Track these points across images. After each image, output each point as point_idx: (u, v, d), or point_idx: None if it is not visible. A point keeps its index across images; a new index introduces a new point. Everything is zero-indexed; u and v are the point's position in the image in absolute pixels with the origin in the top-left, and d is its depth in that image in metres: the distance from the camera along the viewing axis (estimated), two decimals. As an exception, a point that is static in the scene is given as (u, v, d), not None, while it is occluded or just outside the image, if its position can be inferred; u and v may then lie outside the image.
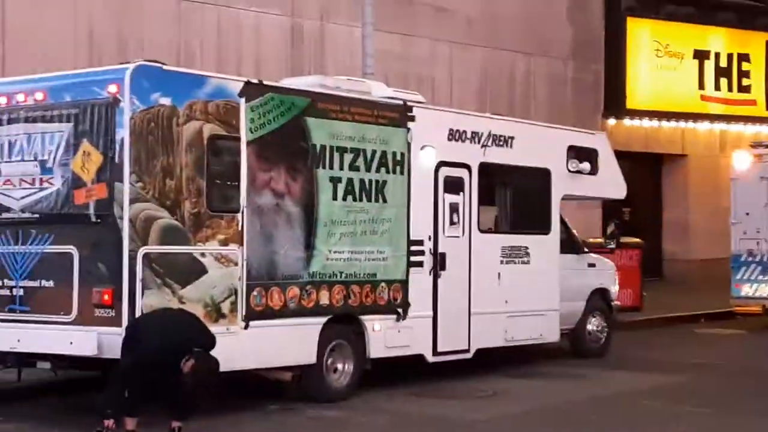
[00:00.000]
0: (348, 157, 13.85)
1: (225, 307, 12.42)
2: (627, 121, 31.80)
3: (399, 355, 14.64)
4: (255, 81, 13.26)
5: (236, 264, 12.56)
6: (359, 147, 14.01)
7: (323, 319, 13.56)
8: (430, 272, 14.99)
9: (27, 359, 12.46)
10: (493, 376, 15.89)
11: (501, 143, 16.19)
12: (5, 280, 12.44)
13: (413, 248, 14.72)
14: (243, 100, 12.76)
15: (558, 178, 17.17)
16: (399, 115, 14.65)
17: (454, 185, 15.42)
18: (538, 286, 16.70)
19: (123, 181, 11.64)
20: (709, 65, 33.26)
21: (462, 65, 27.44)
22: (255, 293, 12.74)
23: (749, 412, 13.58)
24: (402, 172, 14.57)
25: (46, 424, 12.39)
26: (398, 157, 14.52)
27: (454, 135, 15.53)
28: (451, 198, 15.36)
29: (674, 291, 29.23)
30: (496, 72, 28.36)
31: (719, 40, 33.65)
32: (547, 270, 16.92)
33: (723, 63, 33.51)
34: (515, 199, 16.78)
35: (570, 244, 17.90)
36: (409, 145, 14.68)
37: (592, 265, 18.65)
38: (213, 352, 11.17)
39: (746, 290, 23.12)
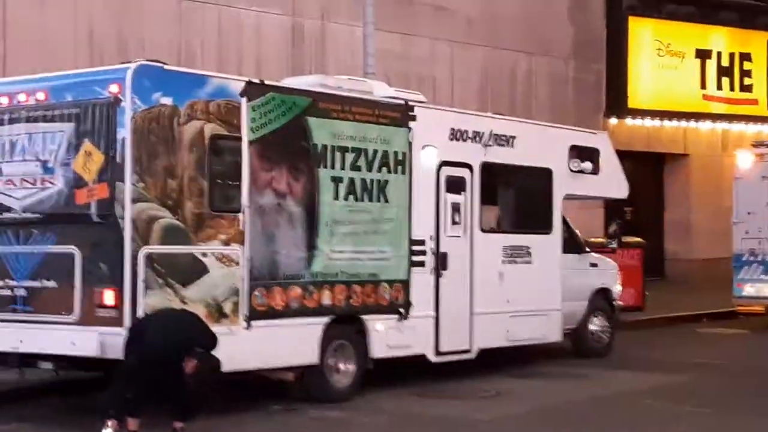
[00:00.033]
0: (349, 157, 13.84)
1: (227, 307, 12.42)
2: (629, 121, 31.78)
3: (401, 355, 14.64)
4: (256, 81, 13.26)
5: (238, 264, 12.55)
6: (361, 147, 14.00)
7: (325, 319, 13.56)
8: (431, 272, 14.98)
9: (29, 359, 12.47)
10: (495, 376, 15.88)
11: (503, 143, 16.18)
12: (7, 281, 12.44)
13: (415, 248, 14.71)
14: (244, 99, 12.75)
15: (560, 177, 17.16)
16: (400, 115, 14.64)
17: (455, 185, 15.40)
18: (540, 286, 16.69)
19: (124, 180, 11.64)
20: (711, 64, 33.24)
21: (463, 65, 27.42)
22: (257, 293, 12.74)
23: (750, 412, 13.56)
24: (403, 172, 14.56)
25: (48, 425, 12.39)
26: (400, 157, 14.51)
27: (456, 134, 15.52)
28: (452, 198, 15.35)
29: (676, 290, 29.22)
30: (497, 71, 28.35)
31: (721, 39, 33.63)
32: (549, 270, 16.91)
33: (725, 62, 33.48)
34: (517, 198, 16.79)
35: (572, 244, 17.89)
36: (410, 144, 14.67)
37: (594, 265, 18.64)
38: (215, 352, 11.17)
39: (748, 290, 23.10)
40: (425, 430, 12.70)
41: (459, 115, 16.37)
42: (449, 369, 15.39)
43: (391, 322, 14.38)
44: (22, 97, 12.51)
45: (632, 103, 31.73)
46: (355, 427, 12.66)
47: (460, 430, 12.66)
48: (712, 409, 13.71)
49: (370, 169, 14.10)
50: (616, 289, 18.96)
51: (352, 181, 13.87)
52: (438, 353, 15.08)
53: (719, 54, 33.40)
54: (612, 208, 27.53)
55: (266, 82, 13.40)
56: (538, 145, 16.89)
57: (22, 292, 12.31)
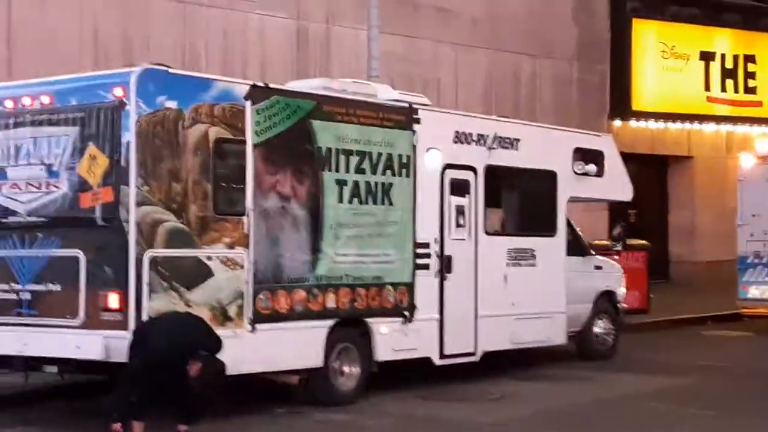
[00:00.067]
0: (354, 160, 13.85)
1: (231, 310, 12.42)
2: (633, 123, 31.76)
3: (405, 358, 14.63)
4: (261, 84, 13.28)
5: (242, 267, 12.56)
6: (365, 150, 14.00)
7: (330, 322, 13.56)
8: (436, 275, 14.98)
9: (34, 363, 12.45)
10: (500, 378, 15.88)
11: (507, 145, 16.18)
12: (12, 284, 12.44)
13: (419, 251, 14.71)
14: (249, 103, 12.76)
15: (564, 180, 17.16)
16: (405, 118, 14.65)
17: (460, 188, 15.41)
18: (544, 289, 16.68)
19: (129, 184, 11.65)
20: (715, 66, 33.22)
21: (467, 67, 27.43)
22: (261, 296, 12.74)
23: (754, 415, 13.55)
24: (408, 175, 14.57)
25: (52, 428, 12.41)
26: (404, 160, 14.51)
27: (460, 137, 15.52)
28: (457, 200, 15.35)
29: (681, 293, 29.19)
30: (501, 74, 28.35)
31: (725, 41, 33.61)
32: (554, 272, 16.90)
33: (729, 64, 33.46)
34: (521, 201, 16.79)
35: (576, 247, 17.88)
36: (414, 147, 14.68)
37: (598, 268, 18.64)
38: (219, 356, 11.17)
39: (753, 292, 23.08)
40: (430, 433, 12.73)
41: (463, 118, 16.38)
42: (454, 372, 15.38)
43: (396, 325, 14.38)
44: (26, 101, 12.52)
45: (636, 105, 31.72)
46: (359, 430, 12.66)
47: (465, 433, 12.69)
48: (716, 411, 13.71)
49: (374, 172, 14.11)
50: (621, 291, 18.96)
51: (356, 184, 13.87)
52: (442, 356, 15.08)
53: (723, 56, 33.38)
54: (616, 210, 27.52)
55: (271, 85, 13.42)
56: (542, 147, 16.88)
57: (27, 296, 12.31)
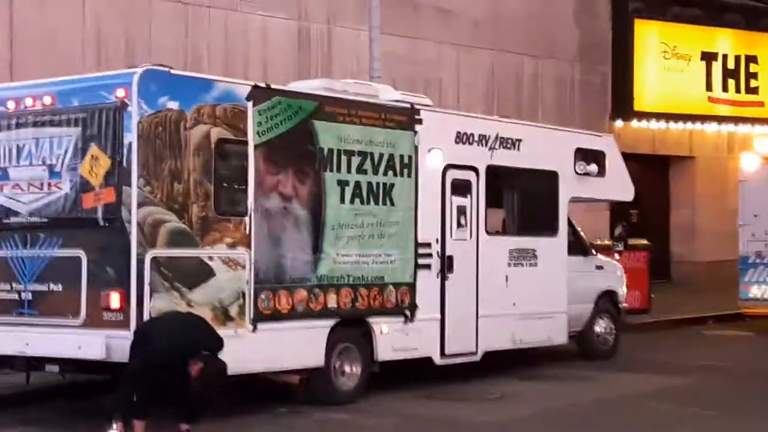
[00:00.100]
0: (355, 160, 13.87)
1: (233, 310, 12.45)
2: (634, 123, 31.75)
3: (407, 357, 14.66)
4: (262, 85, 13.31)
5: (244, 267, 12.58)
6: (367, 150, 14.02)
7: (331, 322, 13.58)
8: (437, 275, 15.00)
9: (35, 363, 12.50)
10: (501, 378, 15.90)
11: (508, 146, 16.20)
12: (14, 284, 12.47)
13: (421, 251, 14.74)
14: (250, 103, 12.79)
15: (566, 180, 17.18)
16: (406, 118, 14.67)
17: (461, 188, 15.43)
18: (545, 289, 16.70)
19: (131, 185, 11.67)
20: (717, 67, 33.20)
21: (469, 68, 27.43)
22: (263, 296, 12.77)
23: (755, 415, 13.56)
24: (409, 175, 14.59)
25: (53, 428, 12.44)
26: (406, 160, 14.53)
27: (462, 138, 15.54)
28: (458, 201, 15.37)
29: (682, 293, 29.21)
30: (502, 74, 28.35)
31: (727, 41, 33.60)
32: (555, 272, 16.91)
33: (730, 65, 33.44)
34: (523, 201, 16.79)
35: (578, 247, 17.90)
36: (416, 148, 14.70)
37: (599, 268, 18.65)
38: (221, 355, 11.20)
39: (754, 292, 23.10)
40: (431, 432, 12.76)
41: (465, 118, 16.41)
42: (455, 371, 15.41)
43: (397, 325, 14.40)
44: (28, 102, 12.55)
45: (638, 105, 31.70)
46: (360, 430, 12.69)
47: (466, 432, 12.71)
48: (716, 411, 13.72)
49: (376, 173, 14.13)
50: (622, 291, 18.97)
51: (358, 184, 13.90)
52: (443, 356, 15.10)
53: (725, 56, 33.36)
54: (618, 210, 27.54)
55: (272, 86, 13.45)
56: (543, 147, 16.90)
57: (28, 296, 12.35)
